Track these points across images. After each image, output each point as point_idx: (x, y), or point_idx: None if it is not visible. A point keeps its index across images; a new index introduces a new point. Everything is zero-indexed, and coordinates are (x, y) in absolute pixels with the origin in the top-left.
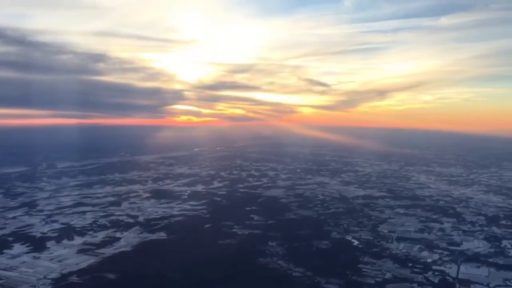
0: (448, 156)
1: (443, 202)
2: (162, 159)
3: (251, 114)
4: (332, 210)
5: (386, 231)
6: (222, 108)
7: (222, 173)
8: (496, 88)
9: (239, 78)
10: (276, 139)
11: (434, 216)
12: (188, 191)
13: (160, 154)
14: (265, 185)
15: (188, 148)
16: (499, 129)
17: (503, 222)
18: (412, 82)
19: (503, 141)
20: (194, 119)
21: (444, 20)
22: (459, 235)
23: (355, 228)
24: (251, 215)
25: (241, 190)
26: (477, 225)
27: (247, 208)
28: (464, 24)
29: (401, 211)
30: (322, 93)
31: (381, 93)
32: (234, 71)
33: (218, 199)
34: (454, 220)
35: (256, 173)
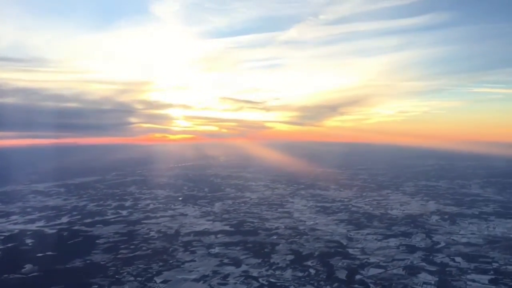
0: (364, 176)
1: (275, 237)
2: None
3: (224, 131)
4: (144, 249)
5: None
6: (194, 124)
7: (88, 204)
8: (449, 102)
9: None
10: (209, 159)
11: (243, 256)
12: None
13: (59, 181)
14: (115, 219)
15: (104, 172)
16: (459, 141)
17: (310, 262)
18: (358, 96)
19: (448, 155)
20: (170, 136)
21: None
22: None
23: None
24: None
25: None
26: (274, 267)
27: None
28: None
29: (215, 250)
30: (280, 109)
31: (333, 108)
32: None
33: None
34: (259, 261)
35: (128, 203)
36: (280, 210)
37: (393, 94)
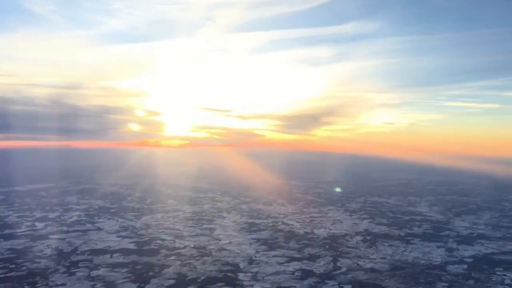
0: (321, 190)
1: (172, 258)
2: None
3: (217, 137)
4: (22, 269)
5: None
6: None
7: None
8: (433, 114)
9: None
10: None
11: (121, 280)
12: None
13: (6, 187)
14: (23, 232)
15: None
16: (444, 154)
17: None
18: (332, 107)
19: (424, 169)
20: (164, 142)
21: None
22: None
23: None
24: None
25: None
26: None
27: None
28: None
29: (99, 272)
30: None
31: (314, 117)
32: None
33: None
34: (134, 286)
35: (54, 215)
36: (204, 226)
37: (366, 105)
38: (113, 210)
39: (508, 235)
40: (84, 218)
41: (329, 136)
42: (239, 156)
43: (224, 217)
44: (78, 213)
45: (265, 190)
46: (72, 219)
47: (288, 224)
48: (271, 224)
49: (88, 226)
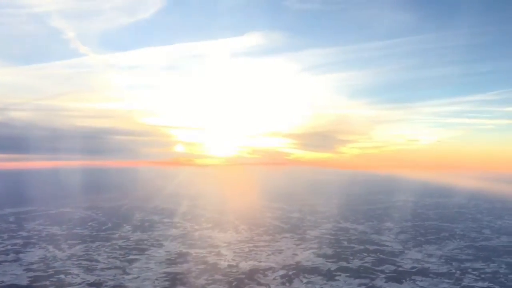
0: (298, 215)
1: None
2: None
3: (251, 156)
4: None
5: None
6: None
7: None
8: (452, 130)
9: None
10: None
11: None
12: None
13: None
14: None
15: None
16: (467, 172)
17: None
18: (344, 123)
19: (434, 190)
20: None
21: None
22: None
23: None
24: None
25: None
26: None
27: None
28: None
29: None
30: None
31: (328, 135)
32: None
33: None
34: None
35: None
36: (131, 257)
37: (375, 121)
38: (57, 238)
39: (453, 270)
40: (15, 248)
41: (358, 154)
42: (257, 175)
43: (161, 246)
44: (18, 241)
45: (240, 215)
46: (3, 248)
47: (220, 256)
48: (201, 255)
49: (11, 256)
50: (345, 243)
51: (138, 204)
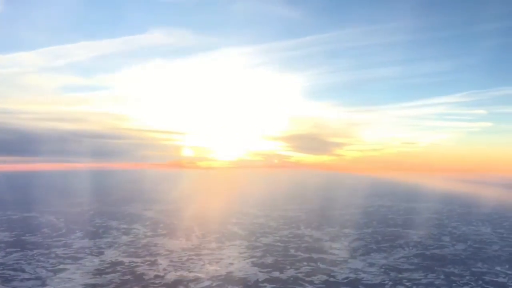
0: (263, 220)
1: None
2: None
3: (258, 158)
4: None
5: None
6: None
7: None
8: (444, 133)
9: None
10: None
11: None
12: None
13: None
14: None
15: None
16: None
17: None
18: (332, 127)
19: (423, 195)
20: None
21: None
22: None
23: None
24: None
25: None
26: None
27: None
28: None
29: None
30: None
31: (319, 138)
32: None
33: None
34: None
35: None
36: (60, 267)
37: (353, 124)
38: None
39: (386, 281)
40: None
41: (359, 156)
42: (255, 179)
43: (99, 255)
44: None
45: (203, 221)
46: None
47: (154, 265)
48: (134, 265)
49: None
50: (292, 251)
51: (106, 209)
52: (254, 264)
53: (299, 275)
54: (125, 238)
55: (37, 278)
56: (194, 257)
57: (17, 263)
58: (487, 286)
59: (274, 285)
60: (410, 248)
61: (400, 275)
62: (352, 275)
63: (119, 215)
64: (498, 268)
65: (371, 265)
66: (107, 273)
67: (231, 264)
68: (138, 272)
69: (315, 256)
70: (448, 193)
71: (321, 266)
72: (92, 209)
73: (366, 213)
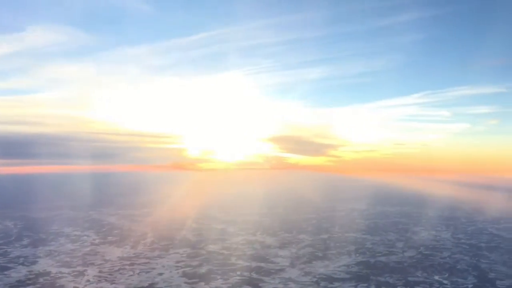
0: (232, 228)
1: None
2: None
3: (260, 161)
4: None
5: None
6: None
7: None
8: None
9: None
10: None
11: None
12: None
13: None
14: None
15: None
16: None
17: None
18: (315, 130)
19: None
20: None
21: None
22: None
23: None
24: None
25: None
26: None
27: None
28: None
29: None
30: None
31: (304, 141)
32: None
33: None
34: None
35: None
36: None
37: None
38: None
39: None
40: None
41: (357, 158)
42: (251, 181)
43: (31, 265)
44: None
45: (161, 226)
46: None
47: (79, 277)
48: (59, 276)
49: None
50: (233, 259)
51: (71, 214)
52: (184, 275)
53: (225, 286)
54: (68, 246)
55: None
56: (127, 267)
57: None
58: None
59: None
60: (357, 255)
61: (330, 285)
62: (280, 286)
63: (80, 220)
64: (436, 277)
65: (306, 274)
66: (26, 284)
67: (160, 274)
68: (58, 285)
69: (254, 265)
70: (430, 196)
71: (254, 276)
72: (57, 214)
73: (333, 217)
